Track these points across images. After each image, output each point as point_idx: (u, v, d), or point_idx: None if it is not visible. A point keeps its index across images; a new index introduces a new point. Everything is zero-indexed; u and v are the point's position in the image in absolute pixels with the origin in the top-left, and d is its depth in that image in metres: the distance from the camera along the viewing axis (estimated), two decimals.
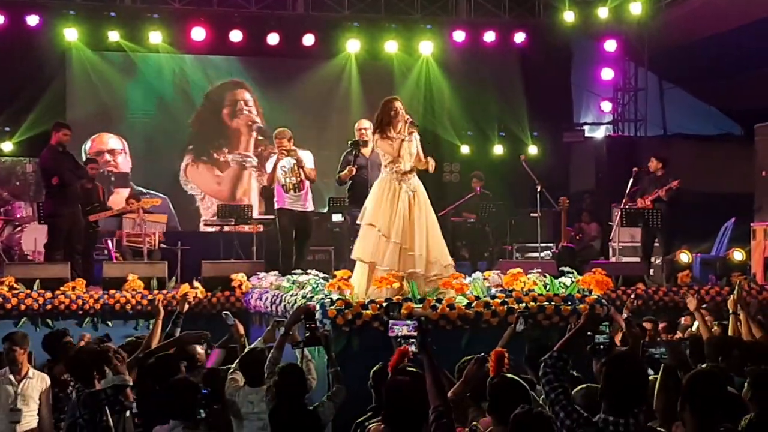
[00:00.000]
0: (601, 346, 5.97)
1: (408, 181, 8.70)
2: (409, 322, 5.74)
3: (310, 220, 11.92)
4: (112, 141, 17.04)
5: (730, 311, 7.88)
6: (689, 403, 4.62)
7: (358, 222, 9.02)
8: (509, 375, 5.35)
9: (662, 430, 4.93)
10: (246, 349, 7.08)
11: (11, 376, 7.88)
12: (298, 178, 11.53)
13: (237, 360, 6.89)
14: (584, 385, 5.57)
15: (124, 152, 17.06)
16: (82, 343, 8.65)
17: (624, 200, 13.89)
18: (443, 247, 8.83)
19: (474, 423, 5.28)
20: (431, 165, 8.84)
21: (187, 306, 8.34)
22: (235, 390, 6.57)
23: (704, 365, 5.95)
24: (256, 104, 17.93)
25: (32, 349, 9.30)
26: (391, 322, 5.83)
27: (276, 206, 11.86)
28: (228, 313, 8.11)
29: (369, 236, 8.66)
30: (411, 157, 8.73)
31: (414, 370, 5.49)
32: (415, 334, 5.56)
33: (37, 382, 7.91)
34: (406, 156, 8.69)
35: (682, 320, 10.21)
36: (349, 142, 10.89)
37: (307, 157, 11.71)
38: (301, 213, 11.67)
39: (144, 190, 16.64)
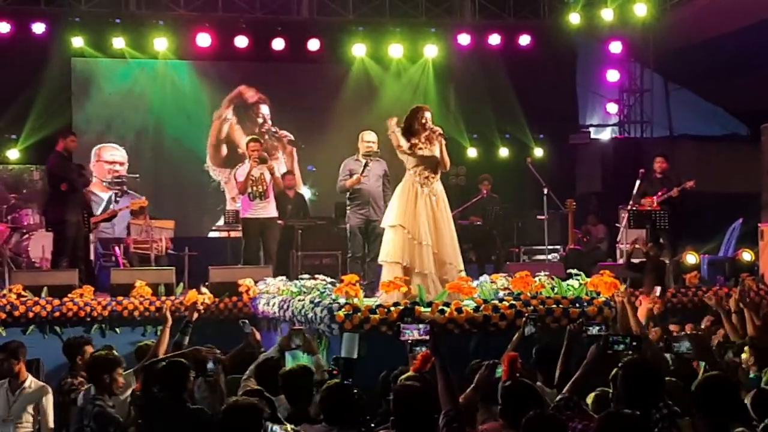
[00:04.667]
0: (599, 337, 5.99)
1: (431, 185, 8.85)
2: (420, 325, 5.70)
3: (275, 225, 12.65)
4: (117, 152, 17.04)
5: (732, 310, 7.85)
6: (699, 408, 4.60)
7: (382, 225, 9.14)
8: (522, 379, 5.33)
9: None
10: (261, 357, 7.04)
11: (8, 387, 7.85)
12: (264, 187, 12.04)
13: (252, 367, 6.86)
14: (598, 390, 5.56)
15: (125, 163, 17.03)
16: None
17: (631, 202, 13.88)
18: (458, 252, 9.00)
19: (485, 428, 5.26)
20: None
21: (196, 315, 8.31)
22: None
23: None
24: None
25: (40, 356, 9.35)
26: (402, 325, 5.78)
27: (240, 215, 12.31)
28: (245, 321, 8.08)
29: (398, 238, 8.73)
30: (437, 165, 9.00)
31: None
32: (427, 338, 5.54)
33: (33, 393, 7.84)
34: (428, 163, 8.95)
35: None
36: (361, 155, 10.99)
37: (276, 166, 12.63)
38: (268, 219, 12.36)
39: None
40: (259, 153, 12.25)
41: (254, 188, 12.17)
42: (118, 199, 15.23)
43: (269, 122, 17.88)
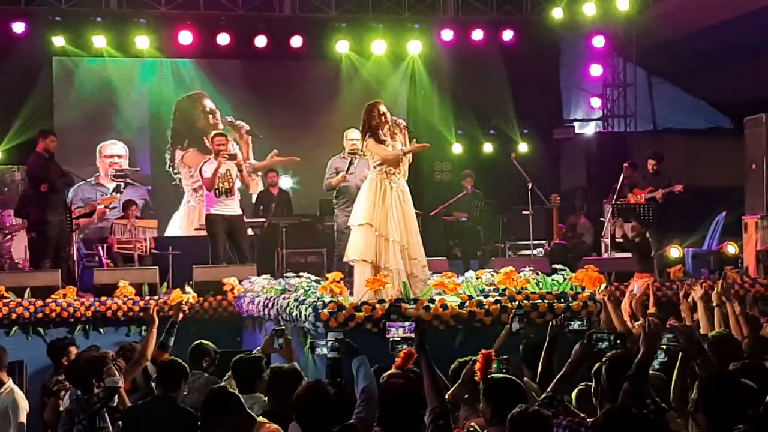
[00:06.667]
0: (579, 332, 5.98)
1: (397, 181, 8.77)
2: (406, 323, 5.67)
3: (241, 222, 12.52)
4: (117, 147, 17.12)
5: (714, 304, 7.83)
6: (704, 406, 4.54)
7: (349, 224, 9.04)
8: (505, 375, 5.31)
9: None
10: (238, 355, 7.01)
11: None
12: (230, 184, 11.88)
13: (231, 365, 6.84)
14: (582, 385, 5.53)
15: (126, 158, 17.13)
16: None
17: (614, 196, 13.94)
18: (422, 247, 8.92)
19: (472, 425, 5.24)
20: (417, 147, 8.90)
21: (181, 315, 8.26)
22: None
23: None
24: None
25: (24, 357, 9.30)
26: (388, 323, 5.75)
27: (205, 211, 12.21)
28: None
29: (366, 236, 8.67)
30: (402, 160, 8.84)
31: (416, 370, 5.43)
32: (413, 335, 5.51)
33: (6, 398, 7.62)
34: (398, 162, 8.80)
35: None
36: (347, 153, 10.94)
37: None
38: (233, 217, 12.17)
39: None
40: (226, 148, 12.12)
41: (220, 184, 11.99)
42: (122, 190, 15.53)
43: (218, 113, 17.71)
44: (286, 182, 16.99)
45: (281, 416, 5.59)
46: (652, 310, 9.68)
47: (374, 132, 8.80)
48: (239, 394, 5.84)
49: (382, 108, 8.91)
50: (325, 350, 5.71)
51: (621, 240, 12.56)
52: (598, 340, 5.52)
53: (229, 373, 6.81)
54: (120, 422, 6.55)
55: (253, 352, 7.11)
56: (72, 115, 16.96)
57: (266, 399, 6.17)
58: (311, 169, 14.85)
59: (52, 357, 8.76)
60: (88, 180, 16.27)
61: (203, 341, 7.77)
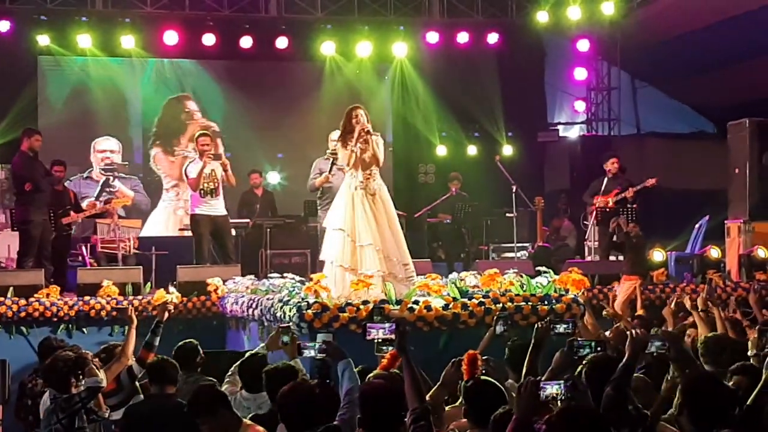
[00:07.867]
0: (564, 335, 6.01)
1: (369, 185, 8.83)
2: (386, 324, 5.67)
3: (226, 222, 12.49)
4: (110, 142, 17.13)
5: (700, 308, 7.88)
6: (688, 408, 4.55)
7: (323, 225, 9.13)
8: (484, 377, 5.33)
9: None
10: (247, 354, 7.00)
11: None
12: (215, 184, 11.84)
13: (236, 364, 6.82)
14: None
15: (119, 153, 17.15)
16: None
17: (596, 198, 13.99)
18: (402, 246, 8.98)
19: (451, 428, 5.26)
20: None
21: (166, 315, 8.24)
22: (230, 394, 6.46)
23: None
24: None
25: (7, 357, 9.26)
26: (368, 325, 5.75)
27: (190, 212, 12.14)
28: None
29: (338, 240, 8.74)
30: (368, 163, 8.90)
31: (400, 373, 5.43)
32: (393, 337, 5.52)
33: None
34: (360, 165, 8.88)
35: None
36: (328, 152, 10.97)
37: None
38: (218, 217, 12.14)
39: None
40: (210, 148, 12.10)
41: (205, 185, 11.94)
42: (112, 183, 15.51)
43: (196, 114, 17.66)
44: (273, 177, 16.99)
45: (274, 416, 5.60)
46: (640, 312, 9.74)
47: (345, 137, 8.93)
48: (249, 393, 5.83)
49: (359, 112, 9.01)
50: (312, 352, 5.70)
51: (617, 240, 12.56)
52: (579, 347, 5.54)
53: (231, 371, 6.80)
54: (97, 423, 6.54)
55: (257, 350, 7.07)
56: (57, 114, 16.92)
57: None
58: (296, 170, 14.84)
59: (41, 354, 8.72)
60: (79, 175, 16.34)
61: (190, 340, 7.74)
